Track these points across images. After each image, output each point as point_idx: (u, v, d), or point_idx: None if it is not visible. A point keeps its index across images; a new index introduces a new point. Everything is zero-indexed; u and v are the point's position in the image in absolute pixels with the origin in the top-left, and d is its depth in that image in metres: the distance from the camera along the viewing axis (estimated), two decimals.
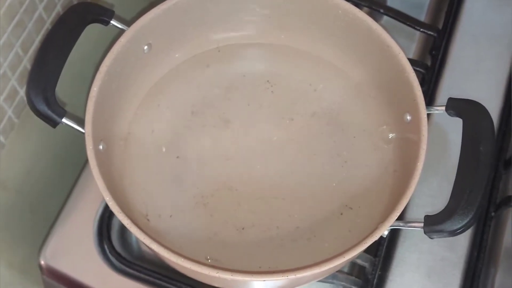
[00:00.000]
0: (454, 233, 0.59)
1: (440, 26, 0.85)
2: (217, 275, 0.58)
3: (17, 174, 0.77)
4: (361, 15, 0.70)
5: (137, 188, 0.71)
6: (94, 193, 0.74)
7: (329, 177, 0.72)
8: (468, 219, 0.59)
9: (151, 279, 0.71)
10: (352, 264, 0.74)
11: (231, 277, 0.58)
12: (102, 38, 0.77)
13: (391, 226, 0.61)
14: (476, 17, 0.86)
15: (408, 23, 0.83)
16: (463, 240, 0.74)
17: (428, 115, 0.66)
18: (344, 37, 0.74)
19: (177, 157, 0.73)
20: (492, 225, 0.75)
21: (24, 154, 0.77)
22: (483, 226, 0.74)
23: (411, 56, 0.85)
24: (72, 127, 0.64)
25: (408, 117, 0.69)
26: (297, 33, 0.77)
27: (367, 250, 0.62)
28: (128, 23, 0.70)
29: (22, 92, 0.73)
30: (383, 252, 0.72)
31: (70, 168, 0.81)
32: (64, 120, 0.64)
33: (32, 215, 0.82)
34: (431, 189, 0.76)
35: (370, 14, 0.75)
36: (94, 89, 0.65)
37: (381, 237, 0.61)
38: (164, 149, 0.73)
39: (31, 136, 0.77)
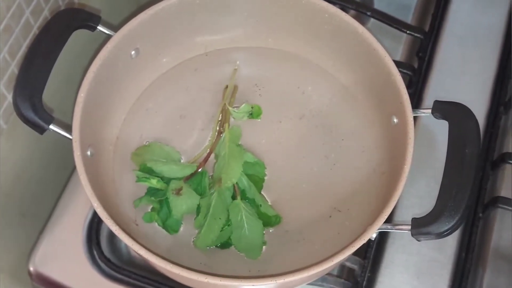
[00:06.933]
0: (441, 235, 0.60)
1: (427, 28, 0.86)
2: (205, 280, 0.58)
3: (6, 178, 0.77)
4: (347, 18, 0.71)
5: (126, 193, 0.71)
6: (83, 198, 0.74)
7: (318, 179, 0.72)
8: (454, 221, 0.60)
9: (140, 284, 0.71)
10: (342, 266, 0.74)
11: (220, 282, 0.58)
12: (90, 43, 0.77)
13: (379, 229, 0.61)
14: (462, 19, 0.87)
15: (394, 25, 0.84)
16: (452, 241, 0.74)
17: (415, 117, 0.66)
18: (331, 40, 0.74)
19: None
20: (480, 225, 0.75)
21: (14, 159, 0.77)
22: (471, 227, 0.75)
23: (398, 58, 0.85)
24: (60, 134, 0.64)
25: (395, 120, 0.69)
26: (285, 37, 0.77)
27: (356, 253, 0.62)
28: (115, 28, 0.70)
29: (10, 97, 0.72)
30: (372, 254, 0.73)
31: (60, 172, 0.81)
32: (51, 126, 0.64)
33: (22, 219, 0.81)
34: (419, 190, 0.76)
35: (357, 16, 0.75)
36: (81, 95, 0.65)
37: (370, 239, 0.61)
38: None
39: (20, 141, 0.77)
